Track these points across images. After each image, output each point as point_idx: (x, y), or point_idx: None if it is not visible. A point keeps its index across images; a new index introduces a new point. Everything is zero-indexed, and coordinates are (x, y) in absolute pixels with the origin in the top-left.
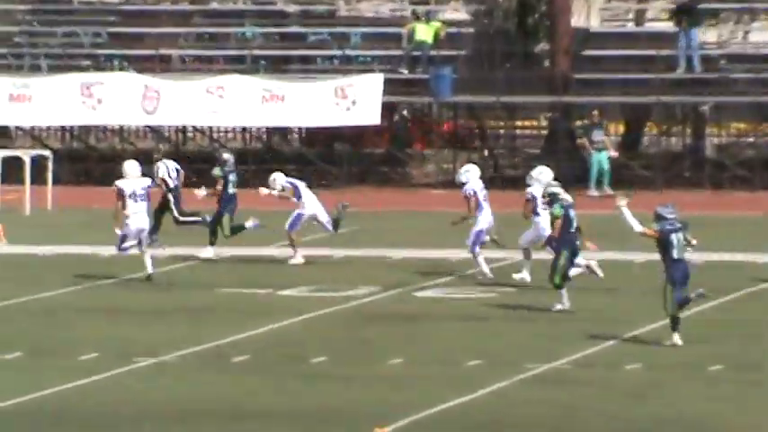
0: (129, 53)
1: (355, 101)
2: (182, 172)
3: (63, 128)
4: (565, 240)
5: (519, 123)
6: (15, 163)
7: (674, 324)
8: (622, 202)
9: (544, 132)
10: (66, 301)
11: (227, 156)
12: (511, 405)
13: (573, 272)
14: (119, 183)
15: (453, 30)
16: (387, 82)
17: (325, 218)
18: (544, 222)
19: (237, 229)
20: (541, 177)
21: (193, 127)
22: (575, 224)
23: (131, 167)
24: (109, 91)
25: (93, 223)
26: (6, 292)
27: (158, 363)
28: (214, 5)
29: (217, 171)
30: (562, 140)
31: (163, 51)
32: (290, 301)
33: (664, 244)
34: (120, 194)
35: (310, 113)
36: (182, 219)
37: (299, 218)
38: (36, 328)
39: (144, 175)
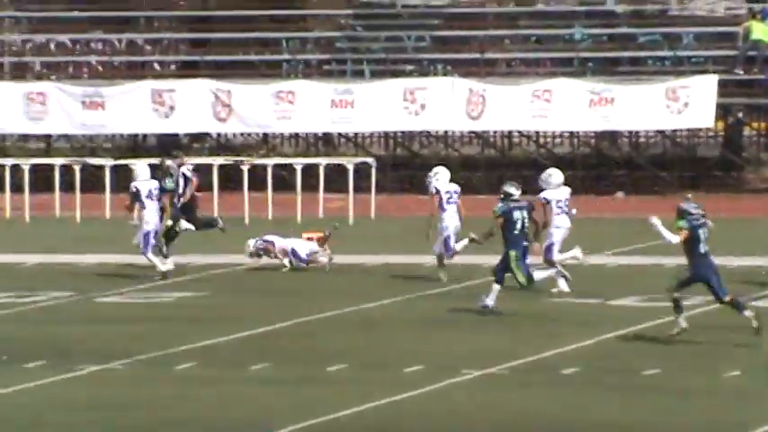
0: (453, 57)
1: (688, 103)
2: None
3: (386, 134)
4: (510, 241)
5: None
6: (338, 170)
7: (677, 307)
8: (656, 221)
9: None
10: (389, 311)
11: (174, 166)
12: None
13: (543, 274)
14: (135, 184)
15: None
16: (721, 83)
17: (307, 247)
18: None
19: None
20: (551, 180)
21: (519, 132)
22: (519, 225)
23: (143, 170)
24: (432, 96)
25: (414, 232)
26: (329, 303)
27: (486, 375)
28: (540, 7)
29: (169, 184)
30: None
31: (488, 55)
32: (622, 312)
33: (692, 240)
34: (137, 195)
35: (640, 116)
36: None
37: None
38: (359, 340)
39: (152, 177)
